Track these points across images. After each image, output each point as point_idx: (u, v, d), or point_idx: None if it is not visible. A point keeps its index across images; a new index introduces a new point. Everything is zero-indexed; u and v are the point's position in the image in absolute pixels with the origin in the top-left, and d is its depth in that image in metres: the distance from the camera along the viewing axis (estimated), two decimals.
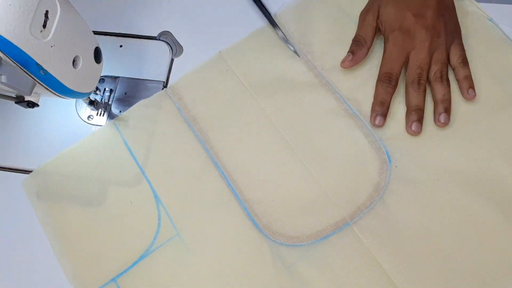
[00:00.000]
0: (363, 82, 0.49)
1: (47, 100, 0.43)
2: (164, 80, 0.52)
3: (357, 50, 0.48)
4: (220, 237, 0.44)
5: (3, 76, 0.32)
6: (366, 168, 0.45)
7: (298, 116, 0.48)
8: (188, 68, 0.52)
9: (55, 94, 0.39)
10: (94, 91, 0.49)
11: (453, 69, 0.47)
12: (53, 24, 0.36)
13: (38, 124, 0.51)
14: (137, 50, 0.54)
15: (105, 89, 0.51)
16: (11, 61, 0.33)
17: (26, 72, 0.35)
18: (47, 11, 0.35)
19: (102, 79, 0.52)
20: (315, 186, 0.45)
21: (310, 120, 0.47)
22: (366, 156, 0.46)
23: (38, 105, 0.40)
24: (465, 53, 0.47)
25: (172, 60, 0.53)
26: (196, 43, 0.54)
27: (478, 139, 0.46)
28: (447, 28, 0.47)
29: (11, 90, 0.34)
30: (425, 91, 0.46)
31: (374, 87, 0.47)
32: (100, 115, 0.51)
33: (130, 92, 0.52)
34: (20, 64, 0.34)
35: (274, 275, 0.42)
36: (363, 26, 0.49)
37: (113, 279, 0.43)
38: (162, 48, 0.54)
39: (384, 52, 0.48)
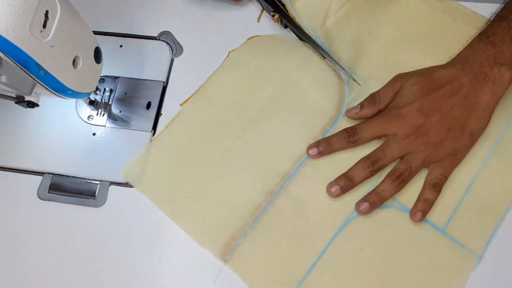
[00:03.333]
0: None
1: (47, 100, 0.43)
2: (164, 80, 0.52)
3: (367, 107, 0.47)
4: None
5: (3, 76, 0.32)
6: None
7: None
8: (188, 68, 0.53)
9: (55, 94, 0.39)
10: (94, 91, 0.50)
11: (423, 185, 0.45)
12: (53, 24, 0.36)
13: (38, 124, 0.51)
14: (137, 50, 0.54)
15: (105, 89, 0.51)
16: (11, 61, 0.33)
17: (26, 72, 0.35)
18: (47, 11, 0.35)
19: (102, 79, 0.52)
20: None
21: None
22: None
23: (38, 105, 0.40)
24: (443, 181, 0.44)
25: (172, 60, 0.53)
26: (196, 43, 0.54)
27: None
28: (444, 147, 0.44)
29: (11, 90, 0.34)
30: (372, 173, 0.44)
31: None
32: (100, 115, 0.51)
33: (130, 92, 0.52)
34: (20, 64, 0.34)
35: None
36: (388, 88, 0.47)
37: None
38: (162, 48, 0.54)
39: (373, 117, 0.46)
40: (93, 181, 0.48)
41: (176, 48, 0.54)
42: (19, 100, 0.38)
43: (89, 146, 0.49)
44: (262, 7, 0.52)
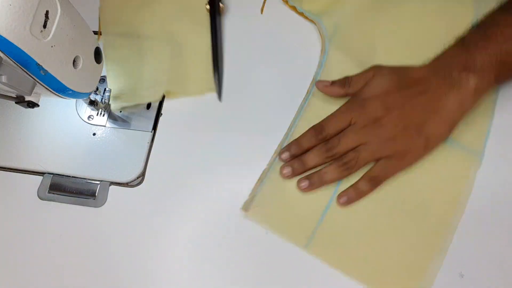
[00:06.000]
0: None
1: (47, 100, 0.43)
2: None
3: (336, 87, 0.47)
4: None
5: (3, 76, 0.32)
6: None
7: None
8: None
9: (55, 94, 0.39)
10: (94, 91, 0.49)
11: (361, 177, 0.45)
12: (53, 24, 0.36)
13: (38, 124, 0.51)
14: None
15: (105, 89, 0.51)
16: (11, 61, 0.33)
17: (26, 72, 0.35)
18: (47, 11, 0.35)
19: (102, 79, 0.52)
20: None
21: None
22: None
23: (38, 105, 0.40)
24: (383, 178, 0.44)
25: None
26: None
27: None
28: (395, 143, 0.43)
29: (11, 90, 0.34)
30: (325, 159, 0.45)
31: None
32: (100, 115, 0.51)
33: None
34: (20, 64, 0.34)
35: None
36: (361, 76, 0.47)
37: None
38: None
39: (338, 108, 0.47)
40: (93, 181, 0.48)
41: None
42: (19, 100, 0.38)
43: (89, 146, 0.49)
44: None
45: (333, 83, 0.48)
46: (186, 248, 0.45)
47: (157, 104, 0.51)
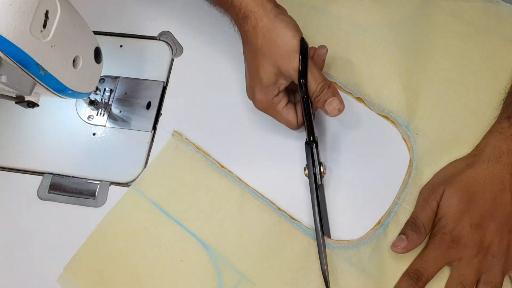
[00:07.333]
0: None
1: (47, 100, 0.43)
2: (164, 80, 0.52)
3: (413, 236, 0.41)
4: (285, 264, 0.42)
5: (3, 76, 0.32)
6: None
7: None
8: (188, 68, 0.53)
9: (55, 94, 0.39)
10: (94, 91, 0.49)
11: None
12: (53, 24, 0.36)
13: (38, 124, 0.51)
14: (137, 50, 0.54)
15: (105, 89, 0.51)
16: (11, 61, 0.33)
17: (26, 72, 0.35)
18: (47, 11, 0.35)
19: (102, 79, 0.52)
20: None
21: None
22: None
23: (38, 105, 0.40)
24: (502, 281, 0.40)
25: (172, 60, 0.53)
26: (196, 43, 0.54)
27: None
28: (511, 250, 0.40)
29: (11, 90, 0.34)
30: None
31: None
32: (100, 115, 0.51)
33: (130, 92, 0.52)
34: (20, 64, 0.34)
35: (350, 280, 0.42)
36: (425, 209, 0.42)
37: None
38: (162, 48, 0.54)
39: (424, 248, 0.42)
40: (93, 181, 0.48)
41: (176, 48, 0.54)
42: (19, 100, 0.38)
43: (89, 146, 0.49)
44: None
45: (407, 235, 0.41)
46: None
47: (157, 104, 0.51)
